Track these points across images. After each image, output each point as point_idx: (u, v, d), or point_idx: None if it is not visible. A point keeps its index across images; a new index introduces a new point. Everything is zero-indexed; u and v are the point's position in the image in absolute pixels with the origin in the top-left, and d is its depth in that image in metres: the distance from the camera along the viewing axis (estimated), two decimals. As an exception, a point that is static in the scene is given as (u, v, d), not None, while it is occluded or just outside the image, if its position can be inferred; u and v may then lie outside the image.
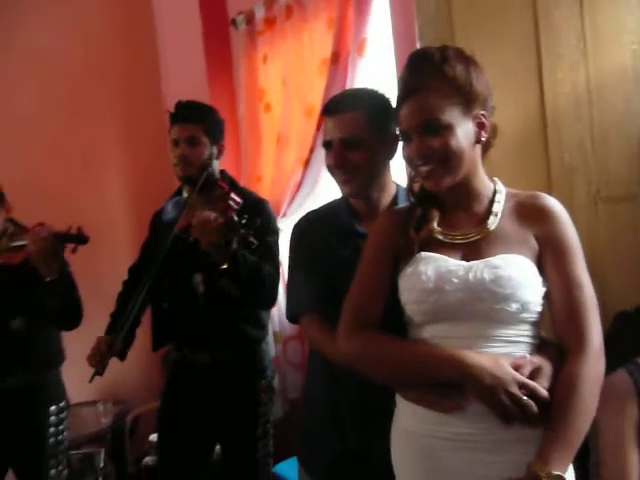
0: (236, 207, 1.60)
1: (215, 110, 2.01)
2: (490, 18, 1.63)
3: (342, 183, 1.44)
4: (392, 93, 1.30)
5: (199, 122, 1.90)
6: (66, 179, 3.04)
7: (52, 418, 2.07)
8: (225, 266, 1.62)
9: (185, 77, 3.18)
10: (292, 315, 1.52)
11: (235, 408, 1.92)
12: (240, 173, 2.91)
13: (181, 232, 1.73)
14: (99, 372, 1.87)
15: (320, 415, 1.47)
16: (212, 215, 1.59)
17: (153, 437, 2.62)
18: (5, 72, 2.94)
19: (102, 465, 2.74)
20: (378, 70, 2.32)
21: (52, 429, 2.07)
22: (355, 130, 1.39)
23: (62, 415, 2.12)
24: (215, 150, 1.93)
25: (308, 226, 1.54)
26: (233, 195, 1.62)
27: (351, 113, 1.40)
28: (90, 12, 3.18)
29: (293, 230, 1.57)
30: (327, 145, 1.45)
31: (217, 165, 1.97)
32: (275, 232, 1.93)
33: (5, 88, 2.93)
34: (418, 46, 1.66)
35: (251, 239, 1.58)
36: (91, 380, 1.88)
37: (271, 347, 2.71)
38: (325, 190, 2.51)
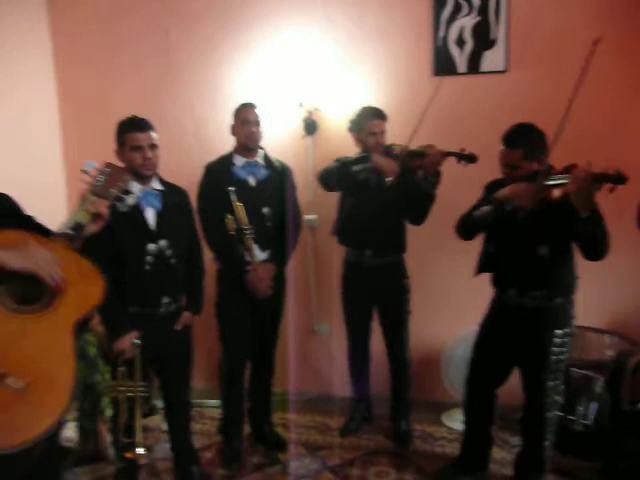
0: None
1: None
2: None
3: None
4: None
5: None
6: (602, 117, 3.03)
7: (556, 340, 2.35)
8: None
9: None
10: None
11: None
12: None
13: None
14: None
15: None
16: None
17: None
18: None
19: (599, 391, 2.88)
20: None
21: (555, 349, 2.36)
22: None
23: (566, 339, 2.37)
24: None
25: None
26: None
27: None
28: None
29: None
30: None
31: None
32: None
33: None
34: None
35: None
36: None
37: None
38: None
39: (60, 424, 1.34)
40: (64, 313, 1.45)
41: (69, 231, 1.63)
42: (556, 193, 2.17)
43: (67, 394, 1.32)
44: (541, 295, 2.35)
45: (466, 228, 2.47)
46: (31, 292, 1.46)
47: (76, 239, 1.64)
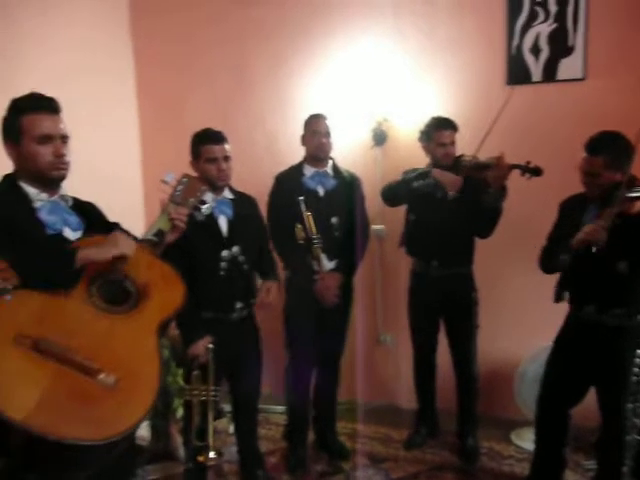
0: None
1: None
2: None
3: None
4: None
5: None
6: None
7: (637, 360, 2.23)
8: None
9: None
10: None
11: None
12: None
13: None
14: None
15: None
16: None
17: None
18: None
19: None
20: None
21: (636, 369, 2.24)
22: None
23: (647, 359, 2.25)
24: None
25: None
26: None
27: None
28: None
29: None
30: None
31: None
32: None
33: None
34: None
35: None
36: None
37: None
38: None
39: (143, 421, 1.41)
40: (149, 315, 1.53)
41: (152, 237, 1.72)
42: (638, 206, 2.08)
43: (152, 392, 1.39)
44: (622, 313, 2.24)
45: (548, 267, 2.41)
46: (119, 294, 1.55)
47: (158, 246, 1.72)
